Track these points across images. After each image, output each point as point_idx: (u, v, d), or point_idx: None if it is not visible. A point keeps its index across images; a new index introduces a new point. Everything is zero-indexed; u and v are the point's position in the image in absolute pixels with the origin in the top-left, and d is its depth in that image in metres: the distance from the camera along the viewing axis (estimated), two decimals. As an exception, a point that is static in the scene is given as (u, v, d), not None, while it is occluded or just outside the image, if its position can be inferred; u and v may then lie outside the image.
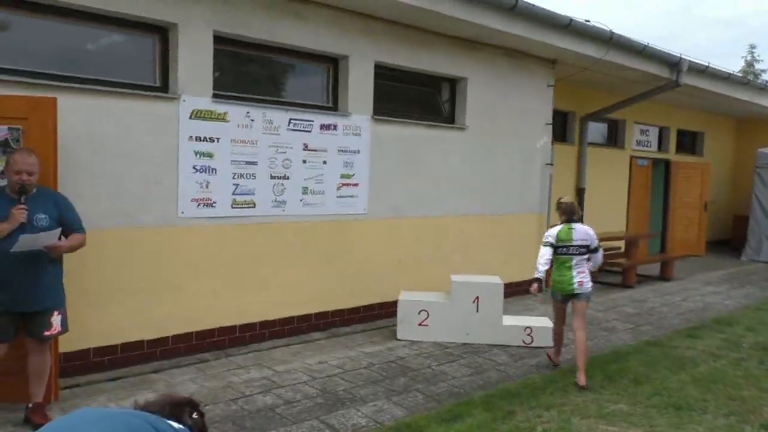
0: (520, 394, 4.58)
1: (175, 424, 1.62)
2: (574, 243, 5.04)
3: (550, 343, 6.02)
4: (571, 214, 5.14)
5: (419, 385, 4.83)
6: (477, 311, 6.06)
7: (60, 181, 4.34)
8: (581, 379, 4.82)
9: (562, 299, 5.19)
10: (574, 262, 5.04)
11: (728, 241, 15.09)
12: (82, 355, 4.80)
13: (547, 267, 5.05)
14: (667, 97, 11.09)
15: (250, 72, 6.01)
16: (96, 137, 4.76)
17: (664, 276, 10.38)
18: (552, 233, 5.14)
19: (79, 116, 4.67)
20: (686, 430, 3.99)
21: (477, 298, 6.06)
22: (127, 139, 4.91)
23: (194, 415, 1.79)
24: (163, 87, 5.21)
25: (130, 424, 1.49)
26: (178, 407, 1.75)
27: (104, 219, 4.83)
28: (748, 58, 38.43)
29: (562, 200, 5.25)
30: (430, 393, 4.67)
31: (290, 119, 5.93)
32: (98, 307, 4.85)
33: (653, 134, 13.15)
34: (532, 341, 6.03)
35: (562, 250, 5.07)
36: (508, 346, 6.01)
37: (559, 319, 5.34)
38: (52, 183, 4.15)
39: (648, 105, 11.67)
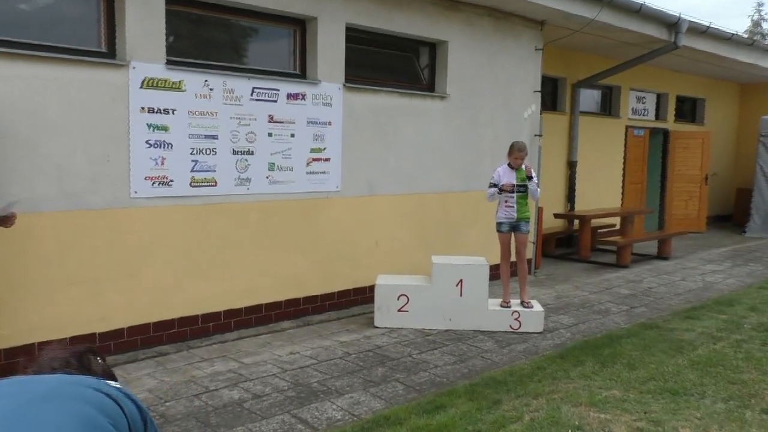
0: (506, 383, 4.66)
1: (111, 383, 1.49)
2: None
3: (540, 329, 6.15)
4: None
5: (399, 375, 4.90)
6: (460, 295, 6.13)
7: (-4, 159, 4.28)
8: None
9: None
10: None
11: (731, 216, 15.40)
12: (25, 350, 4.76)
13: None
14: (666, 61, 11.21)
15: (208, 36, 5.93)
16: (35, 109, 4.68)
17: (661, 254, 10.55)
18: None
19: (14, 86, 4.58)
20: (683, 416, 4.10)
21: (460, 281, 6.13)
22: (70, 112, 4.84)
23: (99, 360, 1.65)
24: (109, 52, 5.13)
25: (88, 400, 1.31)
26: (83, 357, 1.60)
27: (48, 201, 4.77)
28: (755, 17, 38.72)
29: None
30: (410, 383, 4.74)
31: (253, 88, 5.88)
32: (43, 298, 4.81)
33: (650, 101, 13.29)
34: (519, 326, 6.13)
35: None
36: (494, 332, 6.10)
37: None
38: (-13, 161, 4.09)
39: (645, 70, 11.78)
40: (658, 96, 13.51)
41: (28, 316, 4.74)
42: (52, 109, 4.76)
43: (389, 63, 7.44)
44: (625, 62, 10.28)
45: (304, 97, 6.25)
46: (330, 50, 6.41)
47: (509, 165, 6.23)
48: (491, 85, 8.07)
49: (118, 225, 5.15)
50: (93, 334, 5.07)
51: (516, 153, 6.20)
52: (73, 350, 1.57)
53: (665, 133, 13.59)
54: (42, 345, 4.82)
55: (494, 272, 6.77)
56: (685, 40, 9.66)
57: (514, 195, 6.17)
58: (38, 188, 4.72)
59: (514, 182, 6.16)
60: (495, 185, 6.23)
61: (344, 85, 6.55)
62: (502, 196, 6.22)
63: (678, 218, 13.66)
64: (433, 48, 7.61)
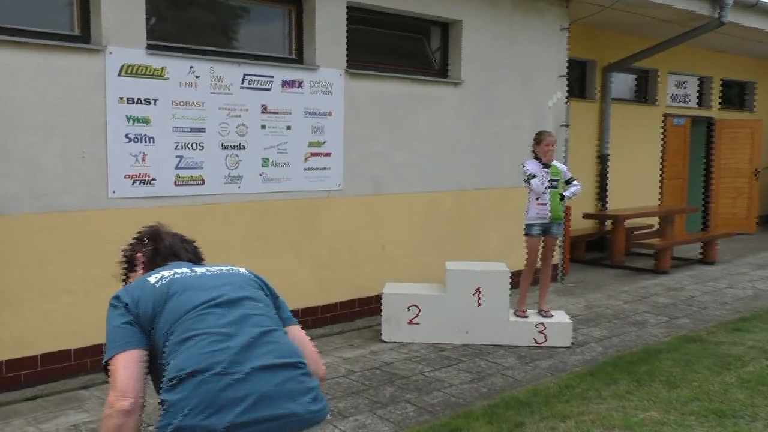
0: (530, 403, 4.66)
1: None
2: None
3: (568, 342, 6.15)
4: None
5: (409, 395, 4.91)
6: (478, 305, 6.13)
7: (-42, 156, 4.32)
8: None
9: None
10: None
11: (785, 215, 15.33)
12: (-7, 369, 4.81)
13: None
14: (709, 40, 11.16)
15: (193, 17, 5.97)
16: (0, 100, 4.72)
17: (705, 259, 10.54)
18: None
19: (-21, 75, 4.63)
20: (729, 440, 4.10)
21: (478, 289, 6.13)
22: (40, 103, 4.88)
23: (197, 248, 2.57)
24: (84, 36, 5.17)
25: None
26: (198, 251, 2.54)
27: (15, 202, 4.81)
28: (809, -9, 38.47)
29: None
30: (422, 404, 4.75)
31: (244, 75, 5.91)
32: (11, 311, 4.85)
33: (692, 86, 13.25)
34: (545, 340, 6.13)
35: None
36: (516, 346, 6.10)
37: None
38: (-52, 158, 4.12)
39: (685, 50, 11.75)
40: (701, 80, 13.46)
41: (-6, 331, 4.78)
42: (19, 99, 4.79)
43: (396, 46, 7.46)
44: (663, 42, 10.25)
45: (301, 84, 6.28)
46: (329, 32, 6.43)
47: (536, 158, 6.23)
48: (511, 70, 8.08)
49: (94, 228, 5.18)
50: (67, 351, 5.11)
51: (547, 140, 6.21)
52: (192, 248, 2.50)
53: (709, 122, 13.54)
54: (10, 364, 4.86)
55: (515, 279, 6.77)
56: (731, 16, 9.62)
57: (548, 192, 6.18)
58: (5, 187, 4.76)
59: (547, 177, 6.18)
60: (534, 175, 6.12)
61: (346, 70, 6.57)
62: (532, 193, 6.22)
63: (724, 218, 13.61)
64: (446, 28, 7.62)
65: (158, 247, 2.37)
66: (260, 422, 1.89)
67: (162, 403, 1.94)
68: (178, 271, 2.17)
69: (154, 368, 2.01)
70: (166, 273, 2.15)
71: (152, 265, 2.32)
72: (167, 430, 1.87)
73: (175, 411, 1.87)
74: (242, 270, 2.32)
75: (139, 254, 2.36)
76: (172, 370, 1.92)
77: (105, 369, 2.00)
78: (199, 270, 2.21)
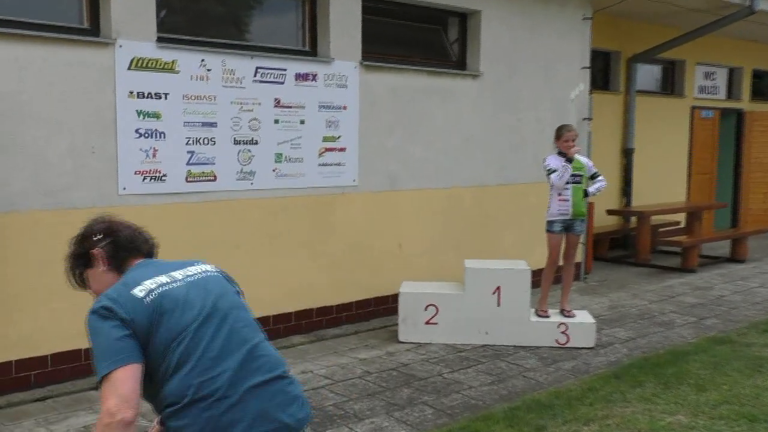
0: (552, 406, 4.65)
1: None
2: None
3: (591, 343, 6.11)
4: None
5: (427, 398, 4.91)
6: (498, 305, 6.11)
7: (-34, 152, 4.35)
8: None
9: None
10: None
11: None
12: (1, 369, 4.84)
13: None
14: (739, 29, 11.05)
15: (204, 9, 5.99)
16: (8, 95, 4.75)
17: (735, 257, 10.44)
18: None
19: (-13, 69, 4.67)
20: (760, 445, 4.06)
21: (498, 288, 6.11)
22: (49, 97, 4.91)
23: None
24: (93, 29, 5.19)
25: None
26: (155, 248, 2.55)
27: (24, 199, 4.85)
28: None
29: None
30: (440, 406, 4.75)
31: (257, 68, 5.92)
32: (21, 310, 4.89)
33: (721, 77, 13.13)
34: (567, 341, 6.10)
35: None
36: (537, 347, 6.08)
37: None
38: (-45, 154, 4.15)
39: (714, 40, 11.64)
40: (731, 71, 13.34)
41: (4, 331, 4.81)
42: (27, 93, 4.83)
43: (413, 37, 7.44)
44: (691, 32, 10.16)
45: (315, 77, 6.28)
46: (344, 23, 6.42)
47: (559, 153, 6.20)
48: (531, 61, 8.03)
49: (104, 226, 5.20)
50: (77, 351, 5.14)
51: (566, 135, 6.17)
52: (146, 236, 2.52)
53: (739, 114, 13.42)
54: (20, 364, 4.91)
55: (536, 278, 6.74)
56: (762, 4, 9.52)
57: (570, 186, 6.15)
58: (13, 184, 4.80)
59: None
60: (553, 170, 6.12)
61: (361, 63, 6.56)
62: (554, 188, 6.19)
63: (755, 214, 13.46)
64: (464, 19, 7.59)
65: (117, 240, 2.39)
66: None
67: (163, 424, 2.14)
68: (162, 281, 2.24)
69: (147, 381, 2.11)
70: (150, 284, 2.20)
71: (115, 261, 2.35)
72: None
73: None
74: (213, 271, 2.50)
75: (97, 250, 2.36)
76: (173, 395, 2.09)
77: (100, 380, 2.04)
78: (179, 276, 2.31)
